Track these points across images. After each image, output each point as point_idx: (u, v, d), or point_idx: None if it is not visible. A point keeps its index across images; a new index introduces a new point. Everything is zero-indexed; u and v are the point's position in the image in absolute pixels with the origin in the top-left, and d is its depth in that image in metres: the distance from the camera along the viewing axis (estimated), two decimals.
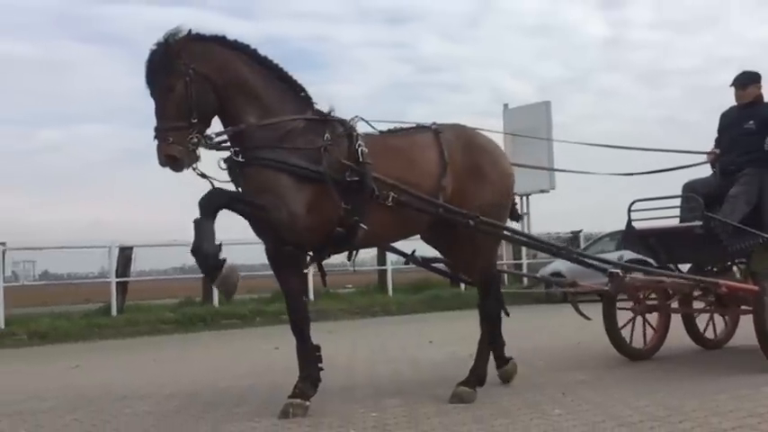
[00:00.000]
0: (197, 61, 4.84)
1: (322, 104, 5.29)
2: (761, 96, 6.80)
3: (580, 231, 19.51)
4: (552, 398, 5.38)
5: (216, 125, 5.08)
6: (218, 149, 5.01)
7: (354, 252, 5.41)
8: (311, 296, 15.50)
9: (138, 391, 6.45)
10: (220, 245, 4.75)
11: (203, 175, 4.93)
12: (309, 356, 5.24)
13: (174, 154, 4.72)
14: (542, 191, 19.91)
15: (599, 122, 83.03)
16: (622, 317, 7.15)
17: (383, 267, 17.18)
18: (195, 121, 4.80)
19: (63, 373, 8.15)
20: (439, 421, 4.75)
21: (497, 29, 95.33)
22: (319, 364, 5.27)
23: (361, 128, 5.34)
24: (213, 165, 5.01)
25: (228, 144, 5.03)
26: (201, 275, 14.81)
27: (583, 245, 17.59)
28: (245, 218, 4.94)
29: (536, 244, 6.98)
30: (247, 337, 11.43)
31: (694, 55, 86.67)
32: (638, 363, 7.01)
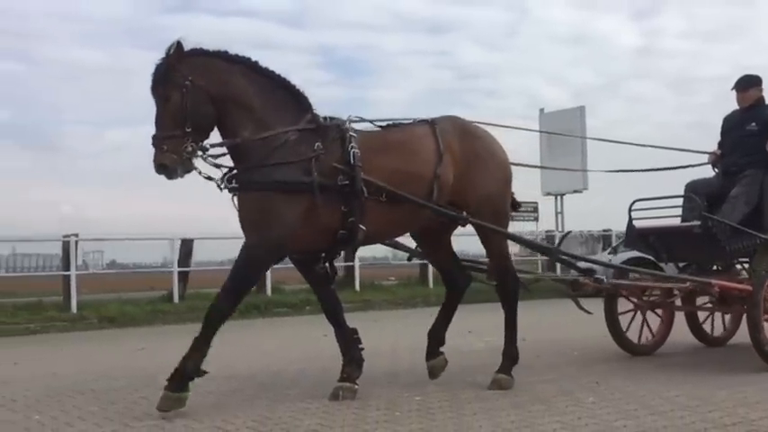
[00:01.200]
0: (195, 74, 4.75)
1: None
2: (762, 99, 6.67)
3: (610, 230, 19.37)
4: (586, 386, 5.36)
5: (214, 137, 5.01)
6: (214, 163, 4.93)
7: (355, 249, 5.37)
8: (357, 288, 15.61)
9: (223, 372, 6.52)
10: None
11: (209, 178, 4.89)
12: (348, 340, 5.29)
13: (166, 163, 4.64)
14: (576, 191, 19.76)
15: (630, 127, 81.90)
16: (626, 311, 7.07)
17: (425, 261, 17.13)
18: (189, 130, 4.69)
19: (130, 354, 8.28)
20: (479, 406, 4.75)
21: (533, 38, 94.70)
22: (360, 345, 5.30)
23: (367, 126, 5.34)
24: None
25: (224, 155, 4.97)
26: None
27: (614, 242, 17.50)
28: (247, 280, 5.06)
29: (524, 243, 6.48)
30: (297, 325, 11.48)
31: (722, 63, 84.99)
32: (667, 355, 6.91)
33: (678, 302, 7.14)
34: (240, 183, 4.87)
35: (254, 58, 5.02)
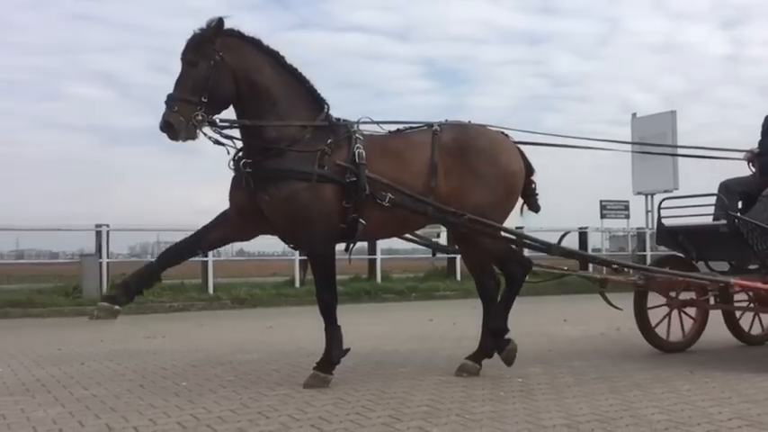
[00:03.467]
0: (227, 52, 4.58)
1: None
2: None
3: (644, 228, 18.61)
4: (681, 375, 5.14)
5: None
6: (219, 136, 4.70)
7: (352, 244, 5.12)
8: (458, 277, 15.51)
9: (319, 350, 6.60)
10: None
11: (218, 143, 4.69)
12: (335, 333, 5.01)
13: (172, 122, 4.41)
14: (666, 190, 19.06)
15: (718, 131, 78.36)
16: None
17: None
18: (205, 100, 4.49)
19: (260, 331, 8.48)
20: (578, 390, 4.63)
21: (624, 47, 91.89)
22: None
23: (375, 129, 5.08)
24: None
25: (232, 126, 4.75)
26: (368, 257, 15.29)
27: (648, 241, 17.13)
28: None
29: (527, 242, 5.54)
30: (404, 309, 11.52)
31: None
32: (756, 347, 6.54)
33: (712, 301, 6.35)
34: (257, 170, 4.64)
35: (282, 53, 4.83)
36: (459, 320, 9.01)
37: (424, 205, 4.82)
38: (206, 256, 13.26)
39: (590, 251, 18.26)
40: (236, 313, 11.64)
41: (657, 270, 5.88)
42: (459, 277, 15.53)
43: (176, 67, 4.62)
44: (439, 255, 14.77)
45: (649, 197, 19.51)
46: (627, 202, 18.90)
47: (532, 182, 5.36)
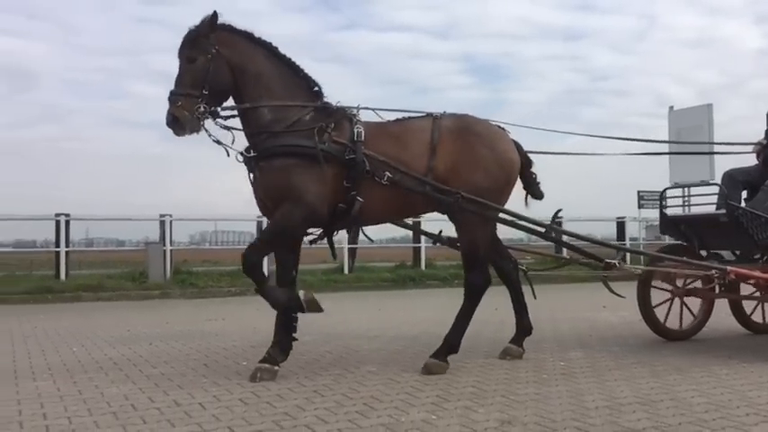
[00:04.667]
0: (222, 45, 4.53)
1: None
2: None
3: None
4: (719, 360, 5.04)
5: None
6: (224, 126, 4.60)
7: (357, 229, 4.95)
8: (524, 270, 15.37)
9: (369, 332, 6.70)
10: (290, 287, 4.68)
11: (218, 142, 4.57)
12: (288, 326, 4.81)
13: (178, 116, 4.38)
14: (703, 181, 18.57)
15: (752, 123, 76.18)
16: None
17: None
18: (206, 93, 4.45)
19: (312, 315, 8.50)
20: (619, 373, 4.58)
21: (661, 42, 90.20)
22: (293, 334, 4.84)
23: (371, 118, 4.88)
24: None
25: (233, 116, 4.65)
26: (413, 245, 15.29)
27: None
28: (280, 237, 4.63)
29: (523, 225, 5.23)
30: (448, 295, 11.41)
31: None
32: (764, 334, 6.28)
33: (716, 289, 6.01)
34: (258, 150, 4.55)
35: (274, 44, 4.73)
36: (501, 306, 8.95)
37: (422, 184, 4.66)
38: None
39: (627, 241, 18.01)
40: None
41: (641, 252, 5.63)
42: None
43: None
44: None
45: (687, 189, 19.02)
46: (663, 193, 18.45)
47: (532, 173, 5.22)
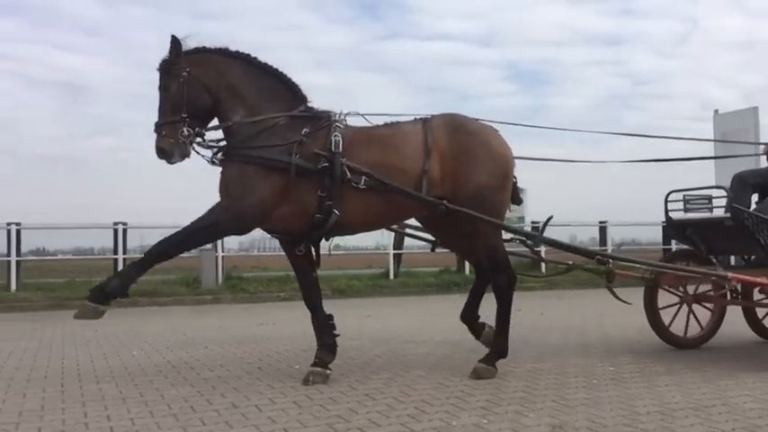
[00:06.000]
0: (193, 66, 4.47)
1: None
2: None
3: None
4: None
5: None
6: (209, 146, 4.55)
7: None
8: (543, 270, 15.26)
9: (416, 337, 6.70)
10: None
11: (213, 162, 4.52)
12: (323, 326, 4.83)
13: (163, 146, 4.35)
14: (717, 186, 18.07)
15: None
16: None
17: (604, 248, 16.52)
18: (185, 116, 4.39)
19: (360, 320, 8.59)
20: (670, 379, 4.49)
21: (703, 45, 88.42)
22: (334, 332, 4.84)
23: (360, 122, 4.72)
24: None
25: (221, 140, 4.58)
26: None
27: None
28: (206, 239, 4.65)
29: (509, 230, 5.06)
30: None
31: None
32: None
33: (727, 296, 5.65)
34: (225, 155, 4.52)
35: (253, 54, 4.65)
36: (547, 311, 8.88)
37: (405, 193, 4.45)
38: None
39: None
40: (336, 303, 11.77)
41: (632, 260, 5.23)
42: (543, 269, 15.28)
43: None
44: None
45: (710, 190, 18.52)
46: (710, 195, 18.05)
47: (513, 176, 4.93)
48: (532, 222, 16.54)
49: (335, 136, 4.44)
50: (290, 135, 4.44)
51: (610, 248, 16.32)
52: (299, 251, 4.71)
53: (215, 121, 4.61)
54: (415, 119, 4.76)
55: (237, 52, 4.63)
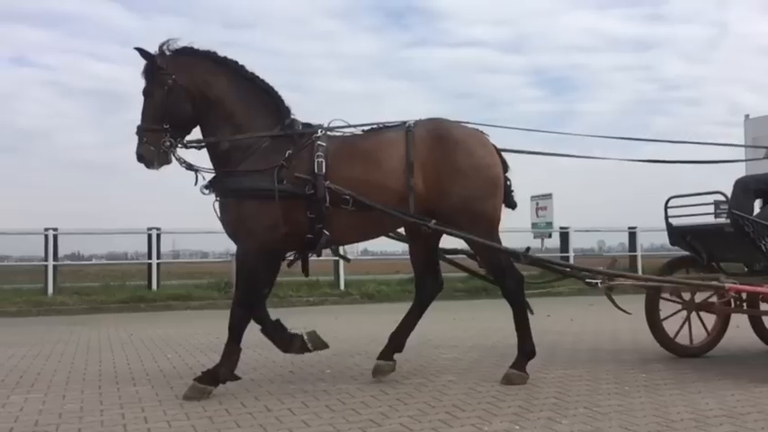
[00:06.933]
0: (180, 73, 4.35)
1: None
2: None
3: None
4: None
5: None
6: (194, 169, 4.45)
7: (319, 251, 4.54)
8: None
9: (447, 342, 6.69)
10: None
11: (191, 168, 4.45)
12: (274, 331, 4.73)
13: (143, 153, 4.27)
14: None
15: None
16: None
17: (634, 253, 16.35)
18: (167, 126, 4.30)
19: (389, 324, 8.54)
20: (703, 385, 4.43)
21: (734, 50, 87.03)
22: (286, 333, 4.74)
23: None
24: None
25: (202, 146, 4.48)
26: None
27: None
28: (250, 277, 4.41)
29: (493, 248, 4.60)
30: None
31: None
32: None
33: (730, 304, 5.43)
34: (216, 189, 4.43)
35: (240, 62, 4.53)
36: (577, 316, 8.80)
37: (388, 213, 4.37)
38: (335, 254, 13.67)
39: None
40: (366, 308, 11.86)
41: (621, 274, 5.13)
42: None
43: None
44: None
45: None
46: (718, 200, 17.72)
47: (507, 178, 4.77)
48: (561, 228, 16.46)
49: (318, 156, 4.35)
50: (274, 158, 4.35)
51: (639, 254, 16.19)
52: (287, 259, 4.66)
53: (197, 131, 4.53)
54: (399, 125, 4.60)
55: (226, 59, 4.52)
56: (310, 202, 4.31)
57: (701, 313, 5.73)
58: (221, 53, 4.54)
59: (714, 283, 4.85)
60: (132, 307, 11.58)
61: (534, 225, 17.13)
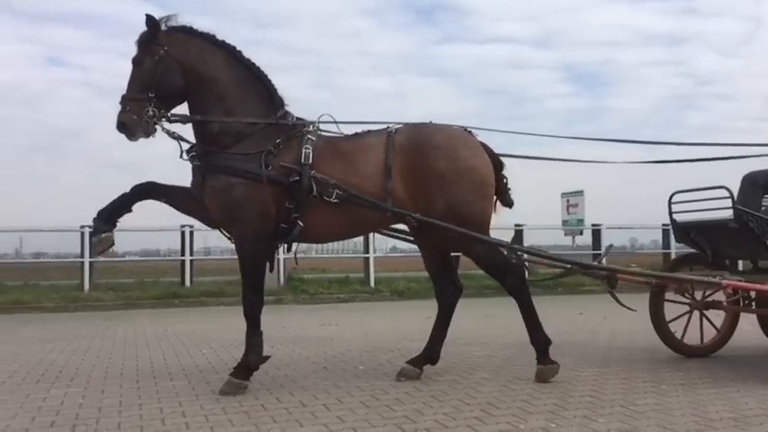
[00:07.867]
0: (173, 46, 4.29)
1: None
2: None
3: None
4: None
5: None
6: (178, 138, 4.40)
7: (295, 245, 4.57)
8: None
9: (478, 339, 6.67)
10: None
11: (178, 137, 4.39)
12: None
13: (125, 121, 4.20)
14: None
15: None
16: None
17: (668, 251, 16.15)
18: (152, 96, 4.23)
19: (420, 321, 8.52)
20: (741, 384, 4.37)
21: None
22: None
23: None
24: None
25: (186, 122, 4.41)
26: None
27: None
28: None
29: (487, 241, 4.50)
30: (551, 303, 11.17)
31: None
32: None
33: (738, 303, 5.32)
34: (204, 164, 4.36)
35: (238, 48, 4.46)
36: (610, 315, 8.69)
37: (375, 206, 4.33)
38: (367, 251, 13.71)
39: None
40: (396, 304, 11.87)
41: (615, 269, 5.09)
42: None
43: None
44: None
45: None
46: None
47: (503, 177, 4.69)
48: (593, 225, 16.30)
49: (306, 148, 4.34)
50: (263, 144, 4.33)
51: (673, 251, 15.95)
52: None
53: (185, 106, 4.47)
54: (382, 130, 4.54)
55: (224, 42, 4.46)
56: (291, 191, 4.29)
57: (708, 313, 5.59)
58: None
59: (711, 279, 4.73)
60: (166, 303, 11.75)
61: (565, 222, 16.99)
